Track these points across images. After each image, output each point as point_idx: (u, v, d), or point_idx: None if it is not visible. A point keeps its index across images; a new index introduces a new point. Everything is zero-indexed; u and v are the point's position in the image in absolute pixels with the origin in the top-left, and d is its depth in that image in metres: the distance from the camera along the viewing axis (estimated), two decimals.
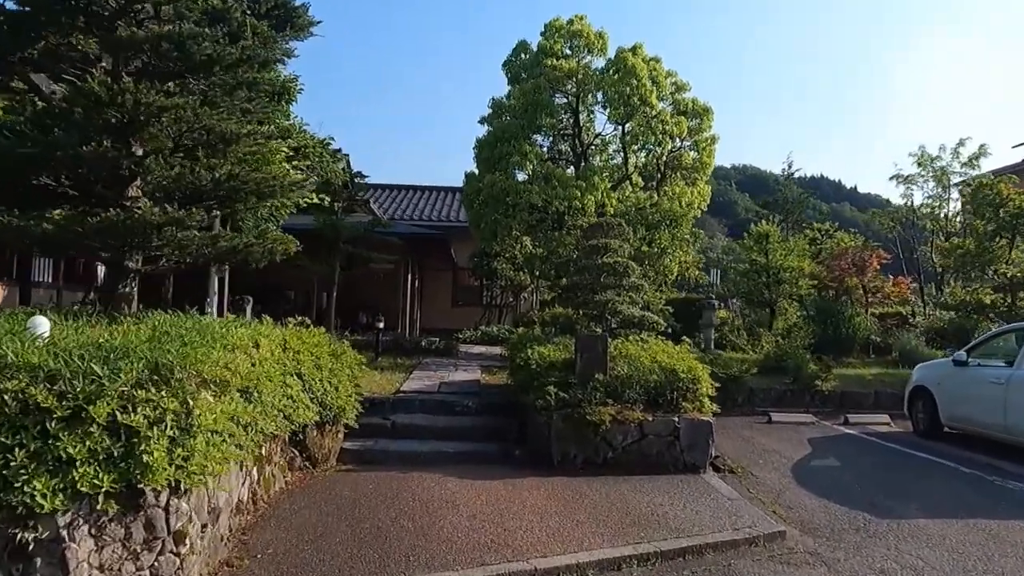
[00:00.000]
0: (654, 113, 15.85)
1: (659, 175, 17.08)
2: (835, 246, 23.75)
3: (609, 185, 15.92)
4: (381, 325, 13.86)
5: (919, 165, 20.86)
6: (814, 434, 10.55)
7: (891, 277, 21.36)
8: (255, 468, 6.11)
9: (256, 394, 5.43)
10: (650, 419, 7.92)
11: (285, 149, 8.59)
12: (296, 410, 6.54)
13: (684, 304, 19.13)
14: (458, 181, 18.24)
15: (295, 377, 6.58)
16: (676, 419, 7.97)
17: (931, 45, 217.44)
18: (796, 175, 37.38)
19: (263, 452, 6.30)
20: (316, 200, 10.68)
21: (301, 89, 12.60)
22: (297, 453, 7.41)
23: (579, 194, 14.91)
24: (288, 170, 8.76)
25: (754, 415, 11.88)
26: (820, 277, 19.78)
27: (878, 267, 18.55)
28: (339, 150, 16.88)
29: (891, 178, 21.22)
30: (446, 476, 7.35)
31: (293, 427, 6.49)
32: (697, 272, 18.54)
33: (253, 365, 5.50)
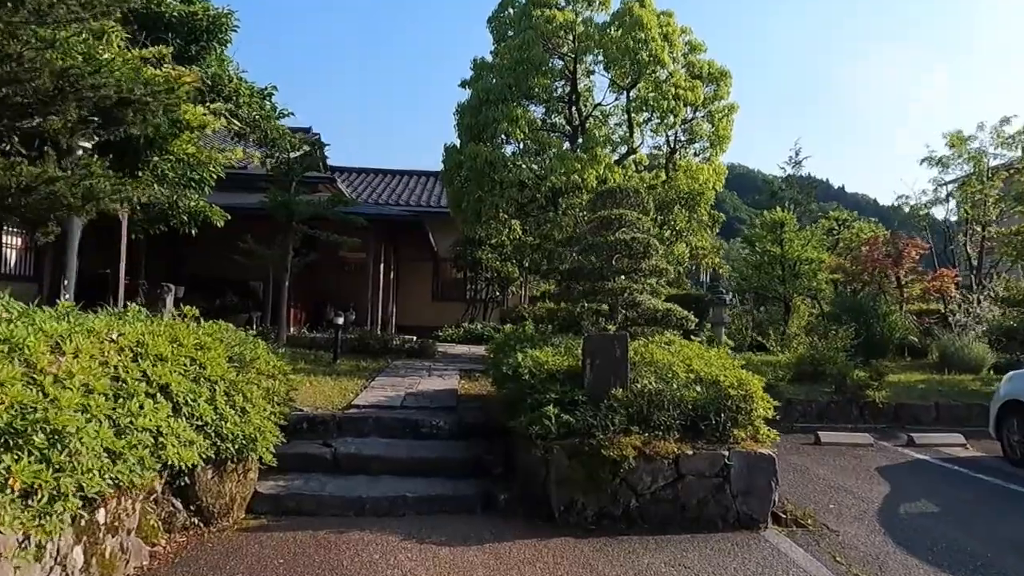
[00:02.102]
0: (666, 75, 13.56)
1: (669, 149, 14.80)
2: (854, 237, 21.64)
3: (613, 159, 13.62)
4: (340, 321, 11.53)
5: (951, 147, 18.77)
6: (881, 461, 8.32)
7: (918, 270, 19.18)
8: (78, 548, 3.78)
9: (45, 437, 3.10)
10: (689, 453, 5.64)
11: (190, 79, 6.27)
12: (163, 448, 4.23)
13: (683, 300, 16.93)
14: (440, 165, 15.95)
15: (157, 398, 4.25)
16: (725, 453, 5.70)
17: (920, 43, 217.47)
18: (793, 172, 35.21)
19: (96, 519, 3.96)
20: (244, 155, 8.37)
21: (236, 27, 10.27)
22: (180, 506, 5.07)
23: (579, 167, 12.61)
24: (201, 111, 6.42)
25: (795, 433, 9.62)
26: (847, 270, 17.61)
27: (916, 257, 16.43)
28: (312, 131, 14.46)
29: (922, 161, 19.19)
30: (400, 539, 5.05)
31: (151, 475, 4.16)
32: (717, 260, 16.30)
33: (38, 386, 3.17)
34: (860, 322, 14.99)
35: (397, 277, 21.15)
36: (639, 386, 5.96)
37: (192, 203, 8.35)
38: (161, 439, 4.25)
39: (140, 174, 7.06)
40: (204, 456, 4.82)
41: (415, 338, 15.40)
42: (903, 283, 16.42)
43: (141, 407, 3.99)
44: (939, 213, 20.10)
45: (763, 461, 5.76)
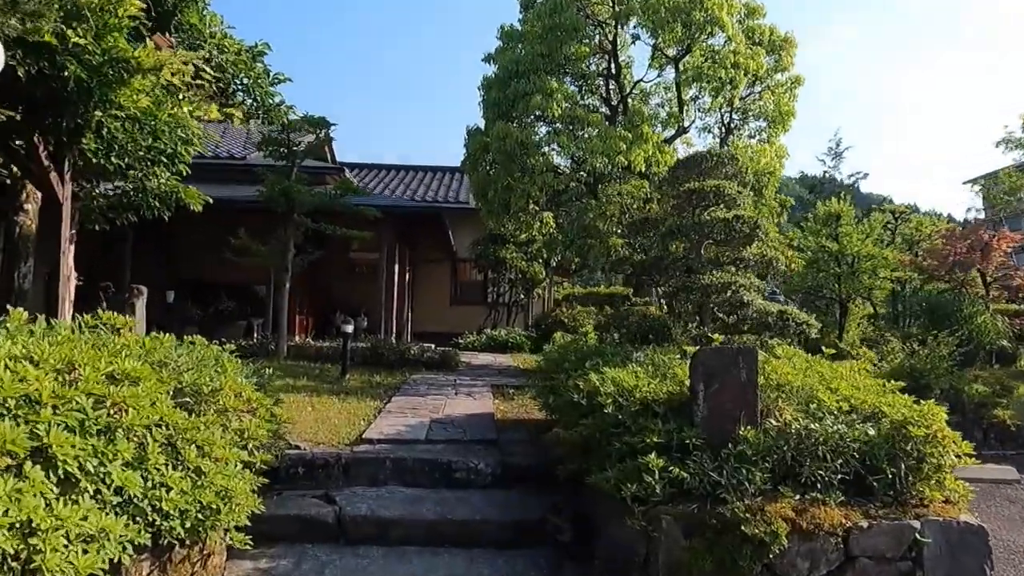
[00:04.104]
0: (723, 40, 11.75)
1: (724, 129, 12.97)
2: (913, 231, 19.71)
3: (663, 138, 11.81)
4: (349, 328, 9.76)
5: None
6: None
7: None
8: None
9: None
10: (863, 525, 3.78)
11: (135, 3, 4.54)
12: (38, 552, 2.48)
13: None
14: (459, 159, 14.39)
15: (24, 470, 2.48)
16: (916, 524, 3.84)
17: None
18: (833, 166, 33.08)
19: None
20: (220, 115, 6.68)
21: None
22: None
23: (623, 147, 10.79)
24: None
25: None
26: (923, 267, 15.69)
27: (1008, 250, 14.52)
28: (328, 122, 12.44)
29: (998, 144, 17.31)
30: None
31: None
32: (791, 253, 14.27)
33: None
34: (943, 325, 13.16)
35: (413, 280, 19.41)
36: (776, 423, 4.13)
37: (162, 182, 6.61)
38: (34, 540, 2.48)
39: (84, 138, 5.35)
40: (134, 544, 3.04)
41: (434, 346, 13.68)
42: (989, 280, 14.50)
43: None
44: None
45: (969, 534, 3.90)
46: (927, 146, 78.04)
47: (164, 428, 3.31)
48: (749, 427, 4.08)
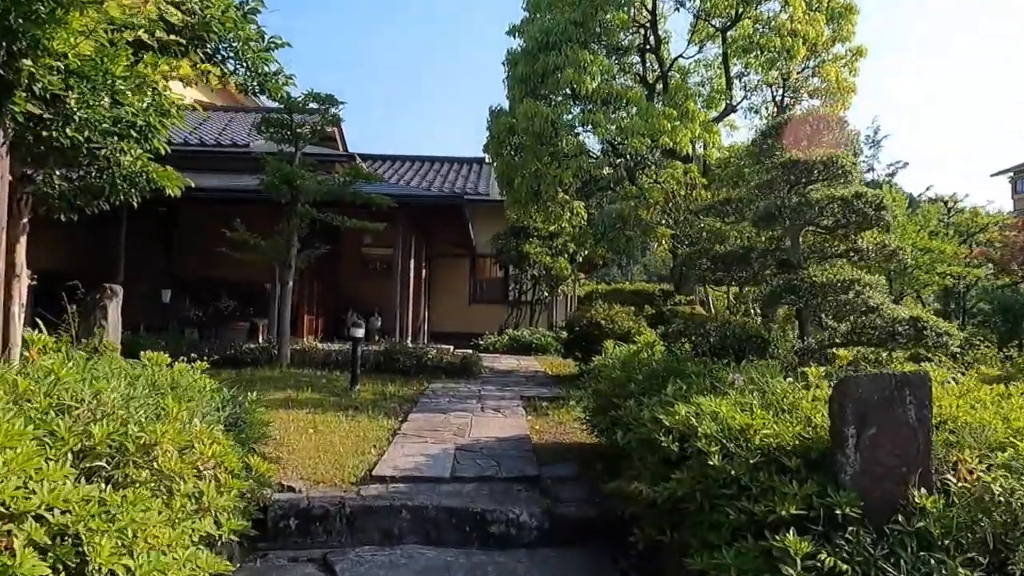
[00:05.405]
0: (779, 6, 10.43)
1: (775, 108, 11.66)
2: (968, 221, 18.28)
3: (711, 117, 10.54)
4: (360, 332, 8.57)
5: None
6: None
7: None
8: None
9: None
10: None
11: None
12: None
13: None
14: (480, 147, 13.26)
15: None
16: None
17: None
18: (872, 154, 31.44)
19: None
20: (193, 72, 5.52)
21: None
22: None
23: (669, 127, 9.51)
24: None
25: None
26: (995, 259, 14.37)
27: None
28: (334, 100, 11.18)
29: None
30: None
31: None
32: None
33: None
34: (1020, 326, 11.84)
35: (430, 276, 18.23)
36: (959, 483, 2.88)
37: (129, 160, 5.43)
38: None
39: (15, 98, 4.20)
40: None
41: (452, 348, 12.53)
42: None
43: None
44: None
45: None
46: (939, 138, 75.79)
47: (56, 515, 2.11)
48: (923, 488, 2.84)
